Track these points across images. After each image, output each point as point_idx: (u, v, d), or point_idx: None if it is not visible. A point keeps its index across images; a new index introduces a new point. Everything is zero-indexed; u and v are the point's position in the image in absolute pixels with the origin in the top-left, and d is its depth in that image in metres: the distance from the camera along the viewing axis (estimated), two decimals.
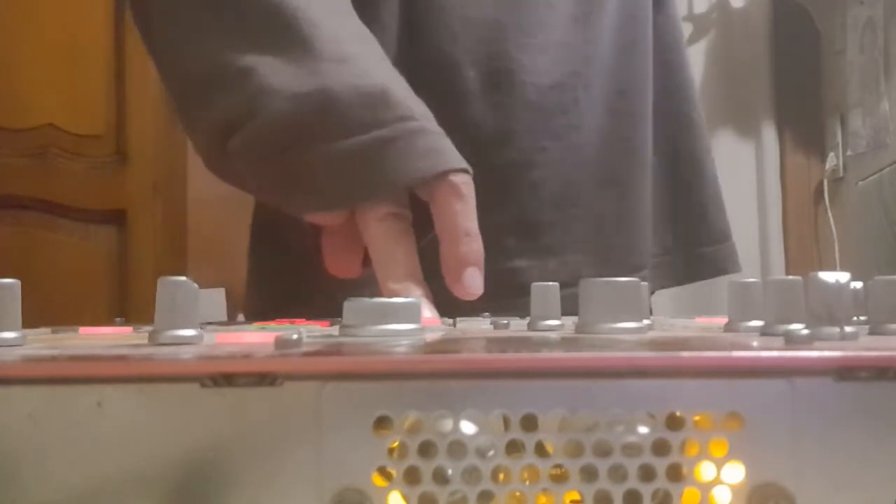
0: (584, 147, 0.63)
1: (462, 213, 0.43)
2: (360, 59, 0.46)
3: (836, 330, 0.22)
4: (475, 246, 0.44)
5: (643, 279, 0.65)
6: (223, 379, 0.19)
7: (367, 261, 0.47)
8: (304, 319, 0.44)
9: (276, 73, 0.44)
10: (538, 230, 0.61)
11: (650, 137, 0.67)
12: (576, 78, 0.63)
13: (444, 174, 0.43)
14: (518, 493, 0.19)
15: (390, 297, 0.42)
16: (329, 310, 0.47)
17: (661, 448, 0.19)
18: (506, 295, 0.56)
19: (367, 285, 0.48)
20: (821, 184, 1.75)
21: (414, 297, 0.41)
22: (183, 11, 0.49)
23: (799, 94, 1.78)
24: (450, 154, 0.44)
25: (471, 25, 0.60)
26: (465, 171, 0.44)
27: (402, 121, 0.43)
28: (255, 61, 0.44)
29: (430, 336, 0.27)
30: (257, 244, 0.68)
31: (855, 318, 0.30)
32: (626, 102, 0.65)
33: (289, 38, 0.45)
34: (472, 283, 0.43)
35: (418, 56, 0.56)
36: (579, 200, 0.63)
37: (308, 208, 0.45)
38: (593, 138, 0.63)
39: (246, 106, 0.44)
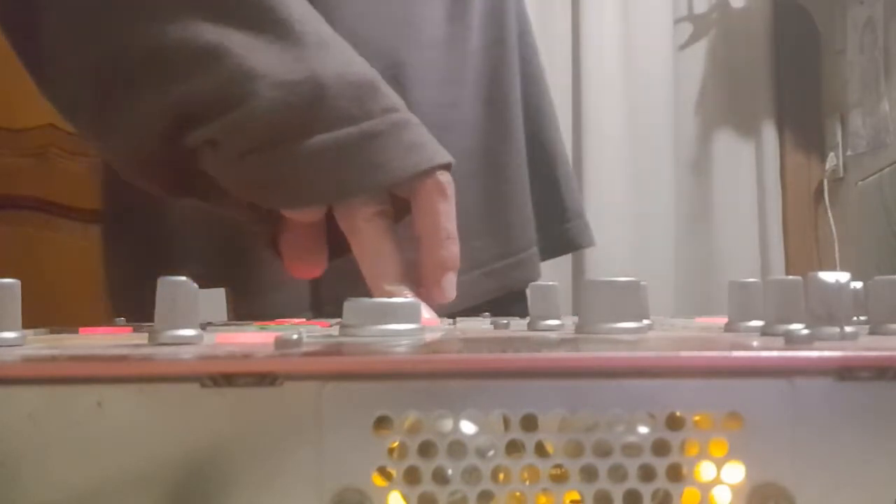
0: (470, 136, 0.65)
1: (445, 213, 0.43)
2: (338, 45, 0.43)
3: (836, 330, 0.22)
4: (454, 249, 0.43)
5: (535, 253, 0.68)
6: (223, 379, 0.19)
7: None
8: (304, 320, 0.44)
9: (256, 55, 0.40)
10: None
11: (521, 123, 0.70)
12: (456, 72, 0.65)
13: (430, 171, 0.43)
14: (518, 493, 0.19)
15: (380, 294, 0.41)
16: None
17: (661, 448, 0.19)
18: None
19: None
20: (821, 184, 1.75)
21: (408, 297, 0.41)
22: None
23: (799, 94, 1.77)
24: (433, 148, 0.43)
25: (364, 22, 0.59)
26: (448, 165, 0.44)
27: (387, 112, 0.42)
28: (226, 38, 0.40)
29: (430, 336, 0.27)
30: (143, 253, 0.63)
31: (855, 318, 0.30)
32: (499, 93, 0.68)
33: (265, 16, 0.41)
34: (449, 287, 0.43)
35: None
36: (473, 187, 0.65)
37: (291, 204, 0.43)
38: (476, 128, 0.66)
39: (222, 91, 0.40)
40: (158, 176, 0.45)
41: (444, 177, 0.43)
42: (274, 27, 0.41)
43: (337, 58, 0.42)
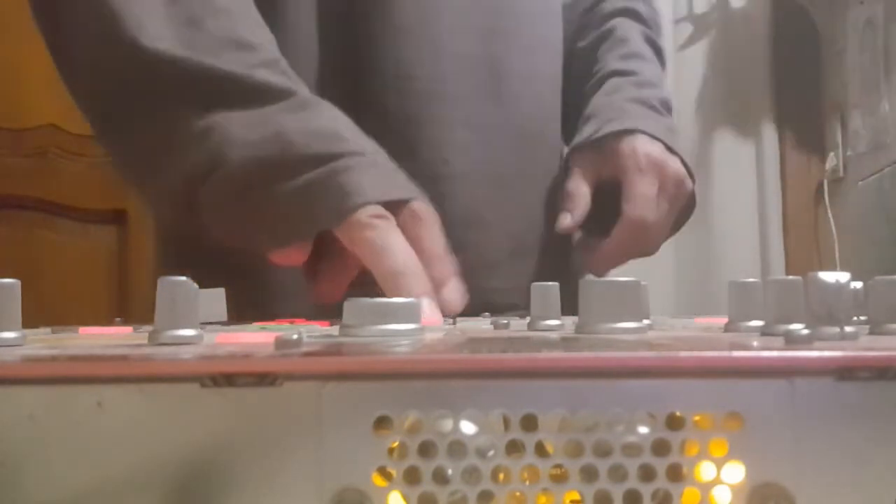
0: None
1: (426, 237, 0.47)
2: (317, 105, 0.49)
3: (836, 330, 0.22)
4: (441, 267, 0.47)
5: None
6: (223, 379, 0.19)
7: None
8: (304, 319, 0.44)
9: (235, 126, 0.47)
10: None
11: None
12: None
13: (403, 203, 0.47)
14: (518, 493, 0.19)
15: (395, 286, 0.43)
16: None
17: (661, 448, 0.19)
18: None
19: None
20: (821, 184, 1.75)
21: (419, 283, 0.43)
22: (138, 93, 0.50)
23: (799, 94, 1.77)
24: (398, 183, 0.48)
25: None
26: (415, 198, 0.47)
27: (354, 155, 0.46)
28: (218, 118, 0.47)
29: (430, 336, 0.27)
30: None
31: (855, 318, 0.30)
32: None
33: (249, 93, 0.48)
34: (451, 298, 0.46)
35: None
36: None
37: (268, 244, 0.47)
38: None
39: (210, 160, 0.46)
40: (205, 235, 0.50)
41: (418, 205, 0.47)
42: (253, 100, 0.48)
43: (304, 116, 0.48)
